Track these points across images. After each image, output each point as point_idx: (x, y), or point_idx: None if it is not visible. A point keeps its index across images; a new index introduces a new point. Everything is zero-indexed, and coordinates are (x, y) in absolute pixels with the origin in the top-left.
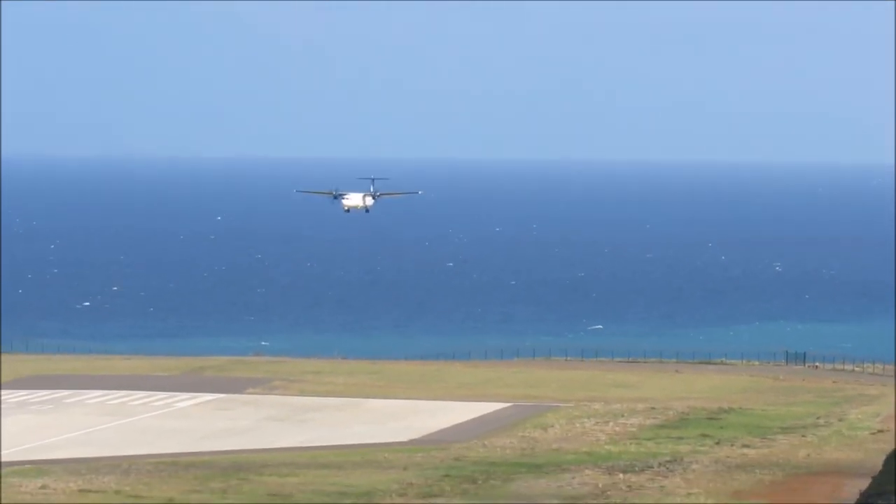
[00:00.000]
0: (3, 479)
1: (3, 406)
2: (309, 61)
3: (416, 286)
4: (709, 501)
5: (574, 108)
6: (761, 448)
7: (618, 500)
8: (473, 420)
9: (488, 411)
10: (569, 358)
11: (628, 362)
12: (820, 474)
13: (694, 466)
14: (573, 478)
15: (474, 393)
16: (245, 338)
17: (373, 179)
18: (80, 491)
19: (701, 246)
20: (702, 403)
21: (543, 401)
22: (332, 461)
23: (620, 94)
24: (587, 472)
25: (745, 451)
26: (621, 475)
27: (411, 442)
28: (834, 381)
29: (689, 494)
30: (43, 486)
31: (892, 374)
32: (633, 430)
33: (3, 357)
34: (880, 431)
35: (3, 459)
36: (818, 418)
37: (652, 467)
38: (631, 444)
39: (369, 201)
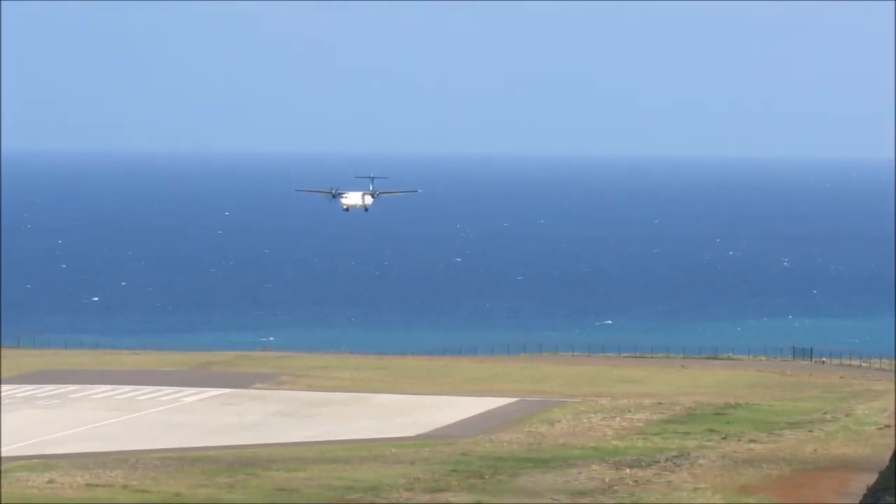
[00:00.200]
0: (10, 475)
1: (10, 401)
2: (312, 58)
3: (423, 281)
4: (716, 496)
5: (582, 103)
6: (768, 443)
7: (625, 495)
8: (480, 415)
9: (495, 406)
10: (575, 353)
11: (635, 357)
12: (827, 469)
13: (701, 461)
14: (580, 473)
15: (481, 388)
16: (252, 333)
17: (372, 178)
18: (88, 485)
19: (708, 241)
20: (708, 398)
21: (550, 396)
22: (339, 456)
23: (628, 90)
24: (594, 467)
25: (752, 446)
26: (628, 470)
27: (418, 437)
28: (841, 377)
29: (696, 489)
30: (50, 481)
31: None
32: (640, 425)
33: (11, 352)
34: (887, 426)
35: (11, 454)
36: (825, 413)
37: (659, 462)
38: (638, 439)
39: (368, 200)
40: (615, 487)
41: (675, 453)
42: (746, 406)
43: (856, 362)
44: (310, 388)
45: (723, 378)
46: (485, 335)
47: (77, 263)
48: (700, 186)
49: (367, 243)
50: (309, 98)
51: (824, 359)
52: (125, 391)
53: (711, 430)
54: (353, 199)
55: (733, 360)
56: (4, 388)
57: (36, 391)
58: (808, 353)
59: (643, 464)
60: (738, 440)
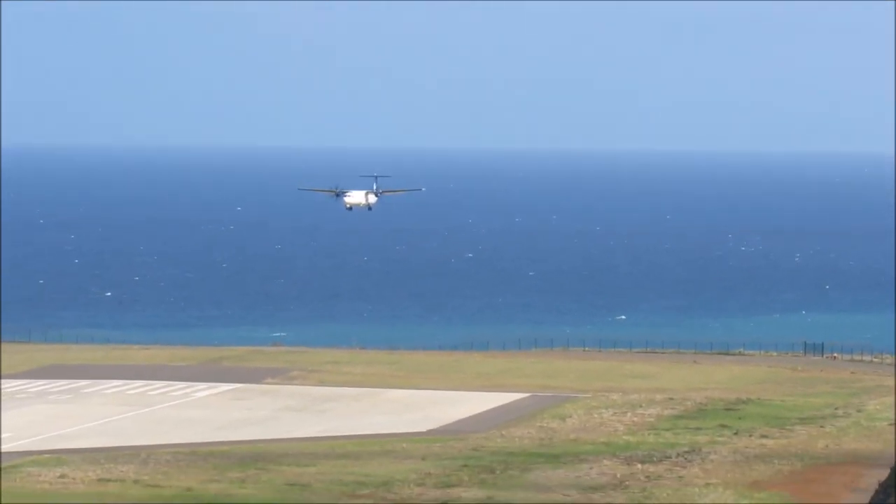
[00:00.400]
0: (22, 469)
1: (22, 396)
2: (312, 58)
3: (434, 276)
4: (727, 492)
5: (584, 101)
6: (780, 439)
7: (636, 491)
8: (491, 410)
9: (506, 402)
10: (587, 348)
11: (646, 353)
12: (838, 465)
13: (712, 457)
14: (591, 468)
15: (492, 383)
16: (263, 328)
17: (376, 177)
18: (99, 480)
19: (721, 237)
20: (720, 394)
21: (561, 391)
22: (351, 451)
23: (644, 86)
24: (605, 462)
25: (764, 441)
26: (639, 465)
27: (429, 432)
28: (852, 372)
29: (708, 485)
30: (62, 476)
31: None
32: (652, 420)
33: (23, 347)
34: None
35: (22, 449)
36: (836, 409)
37: (670, 458)
38: (649, 434)
39: (372, 199)
40: (626, 483)
41: (686, 449)
42: (758, 401)
43: (867, 358)
44: (321, 383)
45: (734, 373)
46: (496, 330)
47: (89, 258)
48: (709, 181)
49: (377, 239)
50: (308, 96)
51: (836, 354)
52: (137, 386)
53: (723, 426)
54: (356, 197)
55: (745, 355)
56: (17, 382)
57: (48, 386)
58: (819, 349)
59: (654, 459)
60: (750, 436)
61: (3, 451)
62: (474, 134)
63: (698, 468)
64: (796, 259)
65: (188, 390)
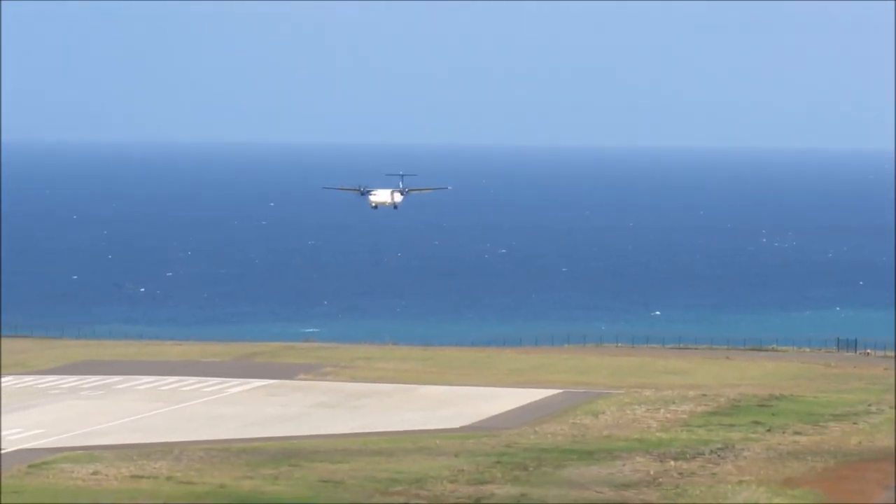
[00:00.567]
0: (55, 465)
1: (55, 392)
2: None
3: (467, 272)
4: (760, 489)
5: (611, 96)
6: (813, 435)
7: (669, 488)
8: (524, 406)
9: (539, 398)
10: (620, 344)
11: (679, 349)
12: (872, 461)
13: (745, 454)
14: (624, 465)
15: (525, 379)
16: (296, 324)
17: (402, 175)
18: (132, 477)
19: (754, 233)
20: (753, 390)
21: (594, 387)
22: (384, 448)
23: (674, 83)
24: (638, 459)
25: (797, 438)
26: (672, 462)
27: (462, 428)
28: (885, 368)
29: (741, 482)
30: (95, 472)
31: None
32: (685, 417)
33: (56, 343)
34: None
35: (55, 445)
36: (870, 405)
37: (703, 454)
38: (682, 431)
39: (398, 198)
40: (660, 480)
41: (719, 445)
42: (791, 398)
43: None
44: (354, 379)
45: (767, 370)
46: (529, 326)
47: (122, 254)
48: (741, 178)
49: (411, 235)
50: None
51: (869, 350)
52: (169, 382)
53: (756, 423)
54: (381, 196)
55: (778, 351)
56: (49, 378)
57: (80, 382)
58: (852, 345)
59: (688, 456)
60: (783, 432)
61: (35, 447)
62: (501, 132)
63: (731, 465)
64: (829, 255)
65: (221, 386)
